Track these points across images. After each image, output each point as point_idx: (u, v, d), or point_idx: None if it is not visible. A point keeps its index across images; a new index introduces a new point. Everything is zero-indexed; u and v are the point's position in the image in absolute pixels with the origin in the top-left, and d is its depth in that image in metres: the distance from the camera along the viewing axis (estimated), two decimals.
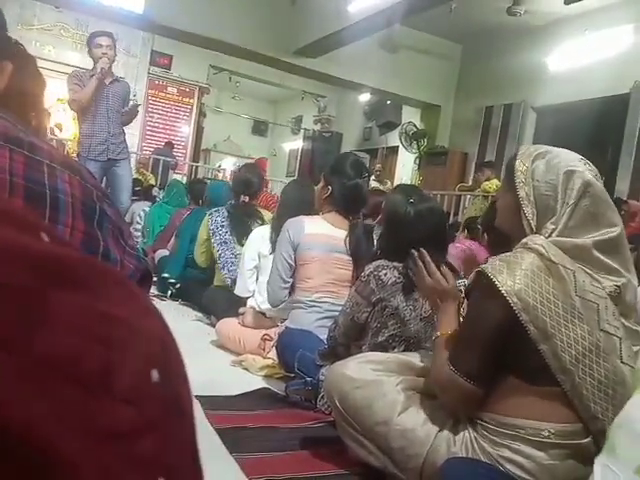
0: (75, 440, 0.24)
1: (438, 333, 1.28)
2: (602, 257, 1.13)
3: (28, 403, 0.23)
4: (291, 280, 2.16)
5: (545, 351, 1.07)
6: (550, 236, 1.14)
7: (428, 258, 1.37)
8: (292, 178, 7.84)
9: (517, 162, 1.20)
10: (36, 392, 0.23)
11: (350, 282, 2.07)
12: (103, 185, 3.96)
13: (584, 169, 1.16)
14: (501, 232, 1.29)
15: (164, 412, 0.29)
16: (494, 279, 1.09)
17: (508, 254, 1.15)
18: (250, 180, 3.05)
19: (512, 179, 1.19)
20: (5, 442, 0.22)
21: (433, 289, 1.35)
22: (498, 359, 1.13)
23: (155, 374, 0.29)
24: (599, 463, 0.85)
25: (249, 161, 11.53)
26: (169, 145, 8.31)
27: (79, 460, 0.24)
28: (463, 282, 1.59)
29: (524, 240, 1.15)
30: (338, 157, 2.47)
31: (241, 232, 2.94)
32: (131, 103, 3.82)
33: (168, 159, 7.44)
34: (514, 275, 1.09)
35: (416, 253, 1.40)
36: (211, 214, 3.04)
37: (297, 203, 2.45)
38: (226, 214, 3.01)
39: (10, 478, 0.22)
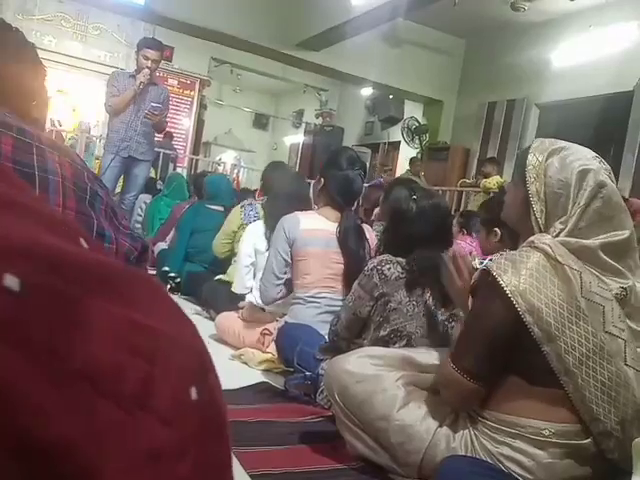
0: (116, 460, 0.22)
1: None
2: (608, 259, 1.10)
3: (62, 418, 0.21)
4: (284, 277, 2.14)
5: (549, 352, 1.05)
6: (558, 236, 1.11)
7: (459, 259, 1.29)
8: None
9: (530, 156, 1.15)
10: (72, 407, 0.21)
11: (343, 275, 2.06)
12: (120, 181, 4.00)
13: (598, 168, 1.12)
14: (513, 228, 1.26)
15: (202, 432, 0.27)
16: (499, 278, 1.07)
17: (514, 252, 1.13)
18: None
19: (523, 173, 1.15)
20: (40, 458, 0.21)
21: (463, 289, 1.28)
22: (500, 359, 1.12)
23: (194, 392, 0.27)
24: None
25: (249, 154, 11.55)
26: (168, 136, 8.25)
27: None
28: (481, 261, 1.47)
29: (531, 238, 1.12)
30: (333, 151, 2.46)
31: None
32: (155, 104, 3.79)
33: (169, 152, 7.41)
34: (519, 274, 1.06)
35: (448, 254, 1.34)
36: (243, 206, 2.97)
37: (288, 198, 2.41)
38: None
39: None
